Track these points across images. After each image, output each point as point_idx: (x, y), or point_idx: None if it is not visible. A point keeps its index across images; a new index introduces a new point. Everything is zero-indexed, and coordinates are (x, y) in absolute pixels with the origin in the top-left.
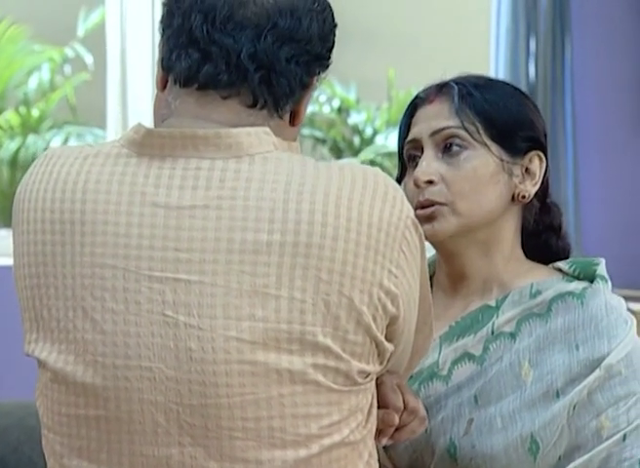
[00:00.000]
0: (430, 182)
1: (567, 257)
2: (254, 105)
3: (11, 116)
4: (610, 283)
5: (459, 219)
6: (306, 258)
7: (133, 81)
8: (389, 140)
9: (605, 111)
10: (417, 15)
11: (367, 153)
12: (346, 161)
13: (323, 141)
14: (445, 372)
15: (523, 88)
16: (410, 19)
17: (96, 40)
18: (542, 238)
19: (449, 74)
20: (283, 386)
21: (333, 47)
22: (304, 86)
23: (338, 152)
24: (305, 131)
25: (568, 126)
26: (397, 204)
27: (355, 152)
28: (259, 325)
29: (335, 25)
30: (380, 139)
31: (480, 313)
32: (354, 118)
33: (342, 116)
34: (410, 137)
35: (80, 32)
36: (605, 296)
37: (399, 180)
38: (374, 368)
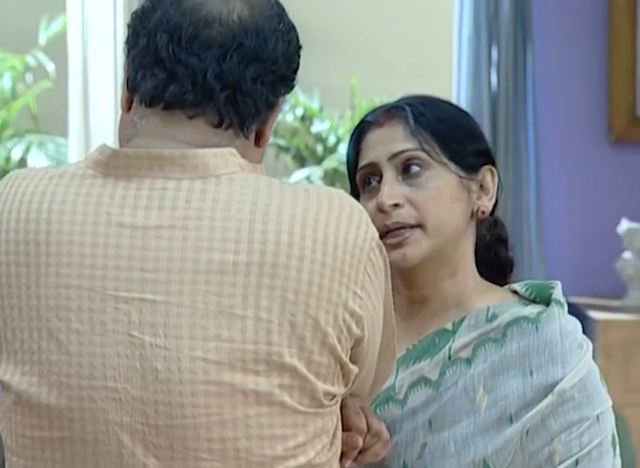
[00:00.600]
0: (396, 205)
1: (512, 269)
2: (220, 125)
3: None
4: (566, 307)
5: (430, 241)
6: (272, 279)
7: (94, 89)
8: None
9: (567, 120)
10: (379, 23)
11: (330, 162)
12: (313, 185)
13: (286, 150)
14: (401, 396)
15: (485, 97)
16: (372, 28)
17: (57, 48)
18: (493, 251)
19: (406, 88)
20: (249, 407)
21: (298, 68)
22: (270, 106)
23: (301, 160)
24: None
25: (530, 135)
26: (362, 226)
27: (318, 160)
28: (225, 345)
29: (300, 46)
30: (343, 148)
31: (437, 336)
32: (317, 126)
33: (306, 124)
34: (365, 162)
35: (42, 40)
36: (560, 321)
37: None
38: (339, 389)
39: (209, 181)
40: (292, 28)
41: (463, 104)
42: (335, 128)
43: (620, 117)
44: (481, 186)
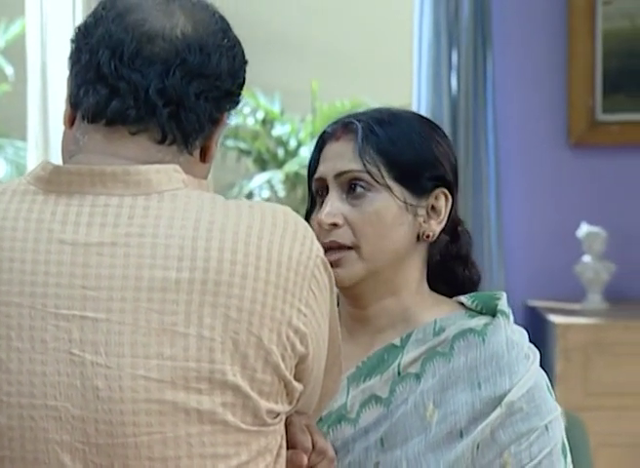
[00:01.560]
0: (335, 225)
1: (475, 287)
2: (163, 141)
3: None
4: (512, 317)
5: (364, 264)
6: (215, 296)
7: (54, 92)
8: None
9: (526, 124)
10: (340, 27)
11: (291, 165)
12: (258, 201)
13: (247, 153)
14: (353, 415)
15: (445, 101)
16: (333, 32)
17: (16, 51)
18: (448, 267)
19: (367, 91)
20: (191, 426)
21: (243, 83)
22: (214, 122)
23: (262, 164)
24: (230, 142)
25: (490, 138)
26: (307, 243)
27: (279, 164)
28: (167, 363)
29: (245, 62)
30: (304, 151)
31: (385, 353)
32: (278, 130)
33: (267, 128)
34: (317, 175)
35: (0, 43)
36: (506, 332)
37: (310, 212)
38: (282, 407)
39: (152, 198)
40: (236, 43)
41: (424, 108)
42: (296, 131)
43: (580, 121)
44: (432, 208)
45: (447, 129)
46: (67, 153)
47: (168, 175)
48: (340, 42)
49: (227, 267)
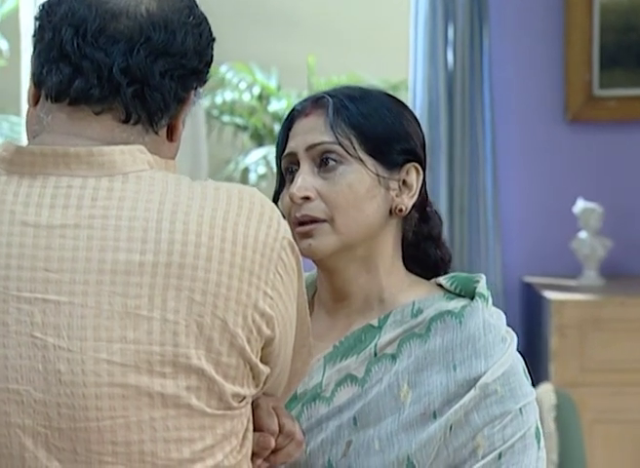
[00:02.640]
0: (307, 199)
1: (446, 266)
2: (127, 121)
3: None
4: (490, 300)
5: (337, 237)
6: (179, 279)
7: None
8: None
9: (523, 100)
10: (337, 2)
11: None
12: (225, 183)
13: (244, 128)
14: (328, 394)
15: (441, 76)
16: (331, 7)
17: (10, 26)
18: (421, 248)
19: (363, 67)
20: (155, 410)
21: (211, 61)
22: (180, 100)
23: (259, 139)
24: (226, 118)
25: (486, 113)
26: (273, 224)
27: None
28: (130, 347)
29: (212, 39)
30: None
31: (363, 333)
32: (275, 105)
33: (263, 103)
34: (287, 151)
35: None
36: (483, 315)
37: (278, 193)
38: (249, 391)
39: (116, 179)
40: (203, 21)
41: (420, 83)
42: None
43: (577, 96)
44: (404, 182)
45: (443, 104)
46: (31, 133)
47: (132, 155)
48: (338, 17)
49: (192, 250)
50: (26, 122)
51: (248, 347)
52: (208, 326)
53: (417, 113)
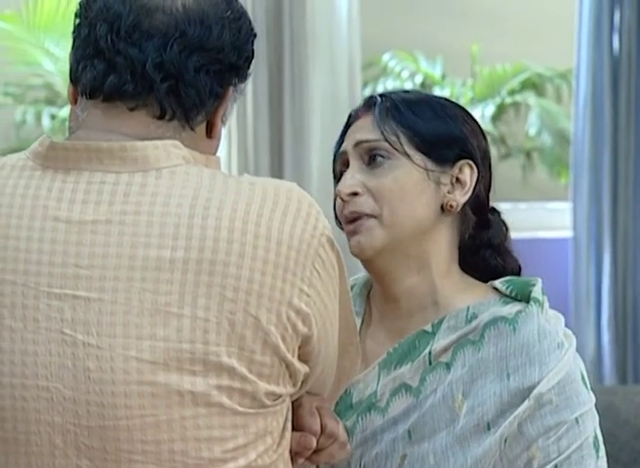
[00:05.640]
0: (355, 194)
1: (509, 275)
2: (162, 117)
3: None
4: (546, 304)
5: (386, 231)
6: (210, 276)
7: None
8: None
9: None
10: None
11: None
12: (261, 178)
13: None
14: (383, 404)
15: (606, 62)
16: None
17: None
18: (480, 254)
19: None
20: (185, 408)
21: (252, 56)
22: (217, 96)
23: None
24: None
25: None
26: (311, 220)
27: None
28: (160, 344)
29: (253, 34)
30: None
31: (417, 339)
32: (438, 94)
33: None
34: (340, 151)
35: None
36: (538, 321)
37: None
38: (285, 389)
39: (149, 175)
40: (242, 15)
41: (584, 70)
42: (456, 96)
43: None
44: (457, 180)
45: (607, 91)
46: (70, 130)
47: (166, 151)
48: (503, 4)
49: (224, 246)
50: (68, 120)
51: (282, 345)
52: (240, 323)
53: (580, 102)
